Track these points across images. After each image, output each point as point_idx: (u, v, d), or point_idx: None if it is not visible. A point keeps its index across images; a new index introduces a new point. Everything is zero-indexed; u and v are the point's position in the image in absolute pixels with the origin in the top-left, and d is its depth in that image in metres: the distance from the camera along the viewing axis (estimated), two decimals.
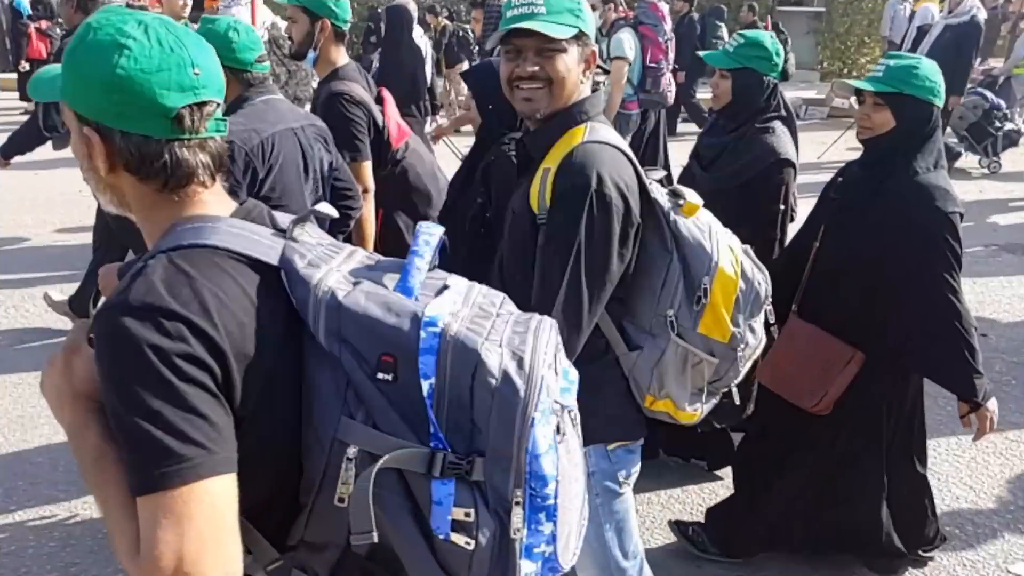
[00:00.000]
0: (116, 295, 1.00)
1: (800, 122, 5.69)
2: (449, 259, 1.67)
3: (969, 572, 2.86)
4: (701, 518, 2.96)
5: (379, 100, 3.31)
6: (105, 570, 2.78)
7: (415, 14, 6.75)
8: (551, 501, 1.07)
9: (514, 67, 1.75)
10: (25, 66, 10.74)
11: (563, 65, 1.73)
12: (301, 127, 2.65)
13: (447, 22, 11.17)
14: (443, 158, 4.30)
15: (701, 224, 1.86)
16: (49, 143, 4.61)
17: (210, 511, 0.95)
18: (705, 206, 2.25)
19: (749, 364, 1.96)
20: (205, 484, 0.95)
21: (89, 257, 4.52)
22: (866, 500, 2.63)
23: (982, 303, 5.28)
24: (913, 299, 2.40)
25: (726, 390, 1.97)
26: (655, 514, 3.15)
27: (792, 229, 2.94)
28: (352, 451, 1.03)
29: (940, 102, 2.41)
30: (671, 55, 6.20)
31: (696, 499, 3.25)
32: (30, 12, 11.50)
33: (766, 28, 10.99)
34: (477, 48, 10.40)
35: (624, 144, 1.80)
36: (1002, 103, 8.35)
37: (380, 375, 1.03)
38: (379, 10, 9.16)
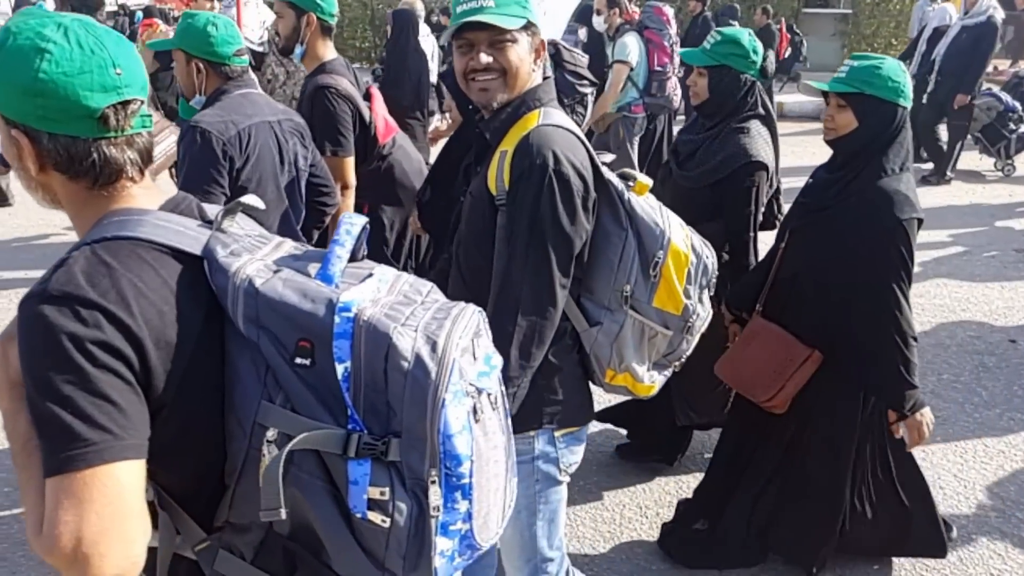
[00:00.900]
0: (38, 284, 1.03)
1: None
2: (440, 258, 1.70)
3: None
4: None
5: (367, 96, 3.36)
6: None
7: (422, 14, 6.78)
8: (466, 480, 1.11)
9: (468, 60, 1.80)
10: None
11: (515, 55, 1.78)
12: (278, 120, 2.69)
13: None
14: None
15: (652, 203, 1.93)
16: None
17: (113, 494, 0.97)
18: (679, 203, 2.28)
19: (697, 337, 2.04)
20: (109, 468, 0.97)
21: None
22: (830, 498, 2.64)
23: (1010, 309, 5.15)
24: (857, 305, 2.40)
25: (678, 362, 2.05)
26: (652, 518, 3.18)
27: None
28: (271, 434, 1.07)
29: (905, 102, 2.39)
30: (676, 59, 6.17)
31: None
32: None
33: (780, 30, 10.94)
34: None
35: (576, 128, 1.86)
36: (1017, 105, 8.19)
37: (298, 360, 1.06)
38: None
